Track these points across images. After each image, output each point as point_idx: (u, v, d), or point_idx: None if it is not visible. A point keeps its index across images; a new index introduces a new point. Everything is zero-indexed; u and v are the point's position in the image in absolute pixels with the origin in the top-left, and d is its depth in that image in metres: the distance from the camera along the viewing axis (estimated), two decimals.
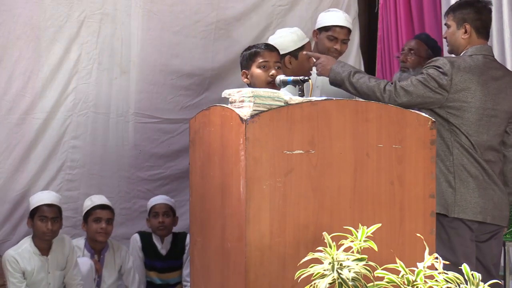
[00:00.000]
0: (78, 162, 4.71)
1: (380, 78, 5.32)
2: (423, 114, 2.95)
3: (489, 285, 2.24)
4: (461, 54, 3.57)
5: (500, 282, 3.07)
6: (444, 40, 3.79)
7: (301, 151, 2.69)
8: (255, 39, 4.91)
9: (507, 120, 3.57)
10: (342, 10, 5.26)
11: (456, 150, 3.44)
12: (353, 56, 5.33)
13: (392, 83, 3.44)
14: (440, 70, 3.43)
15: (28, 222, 4.28)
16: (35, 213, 4.21)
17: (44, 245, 4.20)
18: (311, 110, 2.71)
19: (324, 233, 2.38)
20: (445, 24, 3.67)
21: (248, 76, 3.55)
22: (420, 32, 5.10)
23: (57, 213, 4.25)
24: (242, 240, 2.63)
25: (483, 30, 3.59)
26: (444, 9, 4.80)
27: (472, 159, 3.44)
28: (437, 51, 4.32)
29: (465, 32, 3.56)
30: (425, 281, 2.24)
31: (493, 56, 3.64)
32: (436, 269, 2.28)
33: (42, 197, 4.29)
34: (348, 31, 4.19)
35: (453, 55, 3.64)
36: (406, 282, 2.24)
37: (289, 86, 3.48)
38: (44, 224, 4.17)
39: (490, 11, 3.63)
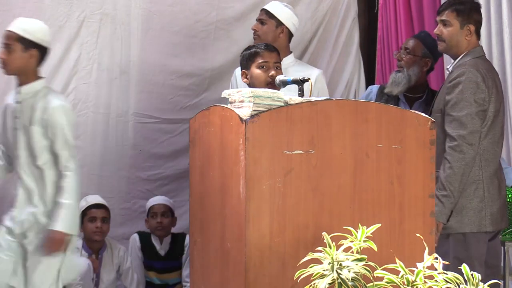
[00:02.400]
0: (78, 162, 4.70)
1: (380, 78, 5.33)
2: (423, 114, 2.95)
3: (488, 285, 2.24)
4: (462, 56, 3.57)
5: (500, 282, 3.08)
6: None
7: (300, 151, 2.69)
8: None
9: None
10: (342, 11, 5.29)
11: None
12: (353, 56, 5.32)
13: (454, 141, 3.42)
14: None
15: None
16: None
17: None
18: (310, 110, 2.71)
19: (323, 233, 2.38)
20: (442, 21, 3.60)
21: (248, 76, 3.56)
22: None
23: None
24: (241, 240, 2.63)
25: (479, 31, 3.61)
26: None
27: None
28: (435, 51, 4.31)
29: (470, 33, 3.55)
30: (424, 281, 2.24)
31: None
32: (436, 269, 2.28)
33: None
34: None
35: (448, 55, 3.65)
36: (405, 282, 2.24)
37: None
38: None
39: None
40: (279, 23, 4.14)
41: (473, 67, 3.47)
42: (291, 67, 4.05)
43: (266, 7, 4.22)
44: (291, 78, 3.34)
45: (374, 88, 4.43)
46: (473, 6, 3.58)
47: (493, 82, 3.50)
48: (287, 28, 4.17)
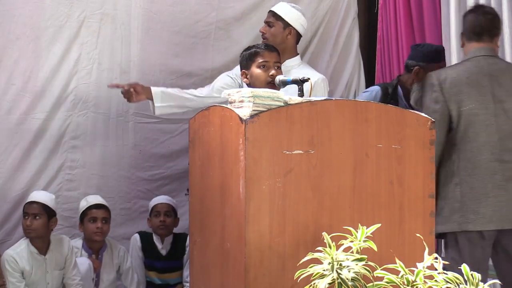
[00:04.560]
0: (78, 162, 4.70)
1: (380, 78, 5.33)
2: (423, 114, 2.95)
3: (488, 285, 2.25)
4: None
5: (499, 282, 3.08)
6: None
7: (300, 151, 2.69)
8: (255, 39, 4.90)
9: None
10: (342, 11, 5.28)
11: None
12: (353, 56, 5.32)
13: None
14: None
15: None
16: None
17: (41, 245, 4.20)
18: (310, 110, 2.71)
19: (323, 233, 2.38)
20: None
21: (248, 76, 3.56)
22: (420, 32, 5.10)
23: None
24: (241, 240, 2.63)
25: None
26: (444, 9, 4.80)
27: None
28: (419, 56, 4.35)
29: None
30: (424, 281, 2.24)
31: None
32: (436, 269, 2.28)
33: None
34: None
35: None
36: (405, 282, 2.24)
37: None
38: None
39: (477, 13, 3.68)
40: (287, 25, 4.12)
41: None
42: (294, 69, 4.04)
43: (273, 8, 4.19)
44: (291, 78, 3.35)
45: (376, 89, 4.40)
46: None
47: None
48: (295, 29, 4.15)
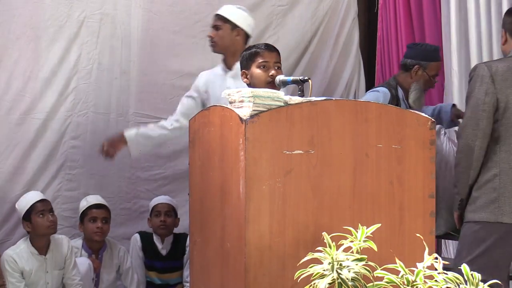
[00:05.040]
0: (78, 162, 4.71)
1: (380, 78, 5.33)
2: (423, 114, 2.95)
3: (488, 285, 2.25)
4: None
5: (499, 282, 3.07)
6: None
7: (300, 151, 2.69)
8: (255, 39, 4.90)
9: None
10: (342, 10, 5.29)
11: None
12: (353, 56, 5.33)
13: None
14: None
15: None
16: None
17: (41, 245, 4.20)
18: (310, 110, 2.71)
19: (323, 233, 2.38)
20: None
21: (248, 76, 3.56)
22: (420, 32, 5.10)
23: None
24: (241, 240, 2.63)
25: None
26: (444, 9, 4.81)
27: None
28: (416, 55, 4.35)
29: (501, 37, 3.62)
30: (424, 281, 2.24)
31: None
32: (436, 269, 2.28)
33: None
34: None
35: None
36: (405, 282, 2.24)
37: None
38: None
39: None
40: (235, 26, 4.10)
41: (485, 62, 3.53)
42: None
43: (219, 12, 4.16)
44: (291, 78, 3.35)
45: (384, 91, 4.36)
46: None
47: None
48: (243, 30, 4.13)
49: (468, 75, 3.61)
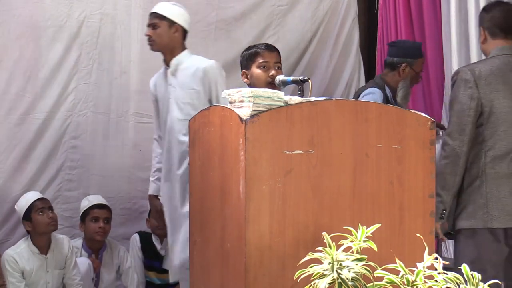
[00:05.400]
0: (78, 162, 4.71)
1: None
2: (423, 114, 2.94)
3: (488, 285, 2.24)
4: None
5: (500, 282, 3.07)
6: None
7: (300, 151, 2.69)
8: (255, 39, 4.91)
9: None
10: (342, 11, 5.28)
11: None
12: (353, 56, 5.33)
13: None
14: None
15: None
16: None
17: (42, 244, 4.20)
18: (310, 110, 2.71)
19: (323, 233, 2.38)
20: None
21: (248, 76, 3.56)
22: (420, 32, 5.10)
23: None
24: (241, 240, 2.63)
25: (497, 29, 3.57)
26: (444, 9, 4.81)
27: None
28: (401, 53, 4.37)
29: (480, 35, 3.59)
30: (424, 281, 2.24)
31: None
32: (436, 269, 2.28)
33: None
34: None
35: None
36: (405, 282, 2.24)
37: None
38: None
39: (504, 10, 3.59)
40: (172, 23, 4.04)
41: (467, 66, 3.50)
42: (183, 63, 4.01)
43: (154, 10, 4.09)
44: (291, 78, 3.35)
45: (378, 91, 4.37)
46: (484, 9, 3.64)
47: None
48: (180, 26, 4.07)
49: (451, 79, 3.59)
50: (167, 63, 4.08)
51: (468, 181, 3.46)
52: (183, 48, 4.10)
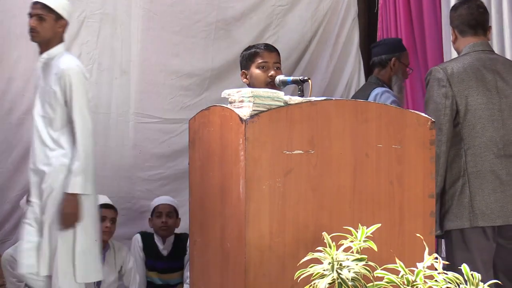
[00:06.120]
0: None
1: None
2: (423, 114, 2.94)
3: (488, 285, 2.24)
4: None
5: (500, 282, 3.07)
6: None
7: (300, 151, 2.69)
8: (255, 39, 4.91)
9: None
10: (342, 11, 5.29)
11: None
12: (353, 56, 5.33)
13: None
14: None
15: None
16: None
17: None
18: (310, 110, 2.71)
19: (323, 233, 2.38)
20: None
21: (248, 76, 3.56)
22: (420, 32, 5.10)
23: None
24: (241, 240, 2.63)
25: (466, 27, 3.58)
26: (444, 9, 4.80)
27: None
28: (385, 48, 4.42)
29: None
30: (424, 281, 2.24)
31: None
32: (436, 269, 2.28)
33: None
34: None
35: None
36: (405, 282, 2.24)
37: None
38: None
39: (471, 7, 3.60)
40: (59, 17, 3.84)
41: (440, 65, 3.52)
42: (57, 57, 3.86)
43: (42, 0, 3.82)
44: (291, 78, 3.35)
45: (379, 90, 4.38)
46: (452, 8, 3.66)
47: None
48: (65, 21, 3.89)
49: (424, 79, 3.59)
50: (41, 53, 3.90)
51: (450, 181, 3.46)
52: (62, 40, 3.92)
